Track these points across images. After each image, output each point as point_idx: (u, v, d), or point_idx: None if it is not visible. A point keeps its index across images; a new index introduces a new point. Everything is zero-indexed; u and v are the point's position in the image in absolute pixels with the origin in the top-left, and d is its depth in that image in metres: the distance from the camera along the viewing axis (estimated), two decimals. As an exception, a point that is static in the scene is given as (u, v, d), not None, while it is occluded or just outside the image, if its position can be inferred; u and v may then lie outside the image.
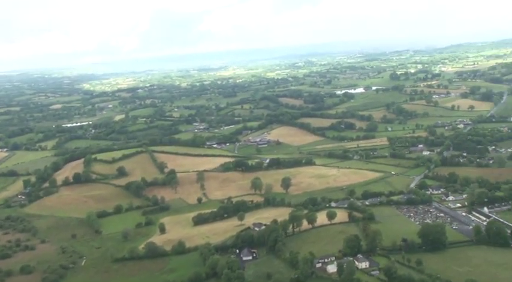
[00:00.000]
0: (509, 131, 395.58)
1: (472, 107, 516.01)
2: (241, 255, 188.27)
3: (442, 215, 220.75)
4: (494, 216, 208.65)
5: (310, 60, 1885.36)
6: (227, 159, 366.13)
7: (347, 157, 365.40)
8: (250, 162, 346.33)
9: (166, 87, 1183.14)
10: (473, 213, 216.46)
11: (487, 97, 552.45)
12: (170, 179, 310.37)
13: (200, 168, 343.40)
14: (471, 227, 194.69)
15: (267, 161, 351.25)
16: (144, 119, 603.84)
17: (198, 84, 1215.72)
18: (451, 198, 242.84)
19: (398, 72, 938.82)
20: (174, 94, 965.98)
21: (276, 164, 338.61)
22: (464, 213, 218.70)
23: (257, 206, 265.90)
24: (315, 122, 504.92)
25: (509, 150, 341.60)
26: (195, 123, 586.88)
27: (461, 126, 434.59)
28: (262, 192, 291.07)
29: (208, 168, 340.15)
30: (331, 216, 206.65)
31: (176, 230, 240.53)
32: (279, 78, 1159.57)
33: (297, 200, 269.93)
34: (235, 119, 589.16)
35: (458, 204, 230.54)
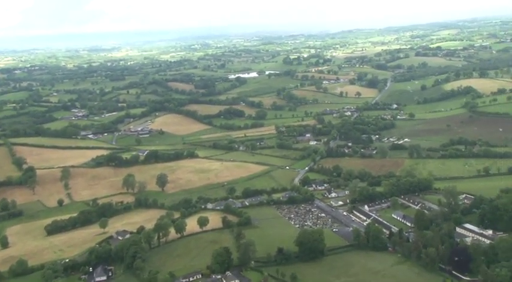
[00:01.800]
0: (392, 119, 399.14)
1: (359, 93, 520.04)
2: (94, 275, 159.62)
3: (323, 215, 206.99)
4: (374, 215, 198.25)
5: (207, 42, 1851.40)
6: (101, 152, 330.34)
7: (232, 148, 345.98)
8: (125, 155, 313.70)
9: (49, 68, 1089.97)
10: (354, 212, 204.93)
11: (372, 83, 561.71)
12: (27, 178, 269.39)
13: (68, 163, 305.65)
14: (351, 229, 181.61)
15: (145, 153, 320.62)
16: (14, 105, 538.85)
17: (86, 66, 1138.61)
18: (333, 195, 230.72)
19: (292, 57, 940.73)
20: (57, 76, 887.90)
21: (154, 157, 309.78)
22: (345, 213, 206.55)
23: (126, 209, 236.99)
24: (203, 109, 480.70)
25: (391, 139, 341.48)
26: (73, 110, 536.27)
27: (348, 113, 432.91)
28: (135, 191, 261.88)
29: (77, 164, 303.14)
30: (202, 222, 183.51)
31: (24, 242, 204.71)
32: (173, 61, 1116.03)
33: (172, 200, 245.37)
34: (119, 105, 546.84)
35: (340, 202, 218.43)
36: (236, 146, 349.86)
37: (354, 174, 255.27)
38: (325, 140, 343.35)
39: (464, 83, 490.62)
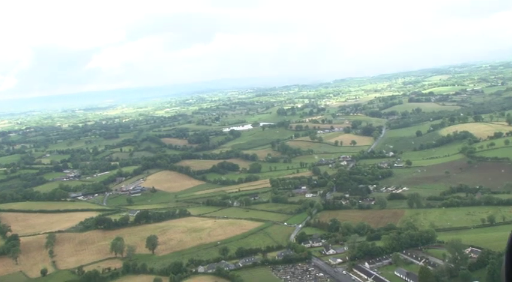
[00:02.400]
0: (389, 167, 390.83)
1: (354, 142, 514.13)
2: None
3: (321, 274, 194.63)
4: (375, 273, 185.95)
5: (202, 96, 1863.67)
6: (91, 215, 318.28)
7: (226, 204, 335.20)
8: (114, 217, 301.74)
9: (44, 129, 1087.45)
10: (354, 270, 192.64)
11: (367, 131, 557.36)
12: (10, 247, 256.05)
13: (55, 228, 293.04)
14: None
15: (135, 214, 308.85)
16: (5, 169, 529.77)
17: (81, 125, 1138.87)
18: (331, 251, 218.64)
19: (286, 107, 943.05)
20: (51, 137, 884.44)
21: (144, 217, 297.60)
22: (344, 272, 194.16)
23: (114, 276, 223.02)
24: (197, 165, 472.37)
25: (389, 188, 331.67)
26: (65, 171, 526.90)
27: (344, 163, 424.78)
28: (123, 256, 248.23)
29: (64, 228, 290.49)
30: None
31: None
32: (168, 116, 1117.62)
33: (163, 263, 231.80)
34: (112, 163, 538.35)
35: (339, 260, 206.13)
36: (230, 201, 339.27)
37: (352, 228, 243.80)
38: (322, 192, 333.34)
39: (459, 127, 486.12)
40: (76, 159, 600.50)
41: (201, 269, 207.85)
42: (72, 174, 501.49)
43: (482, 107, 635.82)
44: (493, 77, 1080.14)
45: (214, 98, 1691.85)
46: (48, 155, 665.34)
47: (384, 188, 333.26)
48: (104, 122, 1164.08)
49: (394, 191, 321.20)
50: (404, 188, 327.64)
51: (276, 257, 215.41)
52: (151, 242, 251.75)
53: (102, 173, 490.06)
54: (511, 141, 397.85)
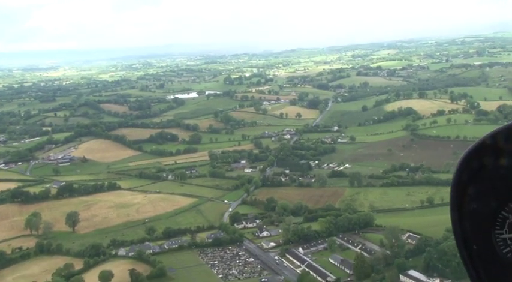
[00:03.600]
0: (332, 142, 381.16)
1: (299, 115, 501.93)
2: None
3: (252, 260, 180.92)
4: (309, 259, 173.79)
5: (149, 61, 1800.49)
6: (10, 186, 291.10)
7: (160, 178, 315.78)
8: (34, 190, 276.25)
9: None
10: (287, 256, 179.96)
11: (313, 104, 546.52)
12: None
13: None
14: (282, 280, 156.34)
15: (59, 186, 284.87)
16: None
17: (16, 86, 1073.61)
18: (265, 234, 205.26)
19: (233, 76, 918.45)
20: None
21: (68, 191, 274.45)
22: (277, 257, 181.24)
23: (24, 256, 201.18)
24: (134, 133, 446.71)
25: (331, 165, 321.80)
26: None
27: (287, 136, 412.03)
28: (39, 233, 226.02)
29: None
30: (105, 278, 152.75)
31: None
32: (111, 81, 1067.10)
33: (82, 243, 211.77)
34: (44, 129, 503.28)
35: (272, 244, 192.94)
36: (165, 175, 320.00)
37: (289, 208, 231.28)
38: (261, 167, 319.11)
39: (404, 103, 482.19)
40: (5, 122, 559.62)
41: (121, 251, 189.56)
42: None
43: (427, 83, 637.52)
44: (439, 53, 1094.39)
45: (162, 64, 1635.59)
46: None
47: (325, 165, 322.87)
48: (42, 84, 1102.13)
49: (335, 168, 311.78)
50: (347, 165, 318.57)
51: (206, 239, 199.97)
52: (72, 219, 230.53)
53: (32, 139, 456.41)
54: (453, 119, 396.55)
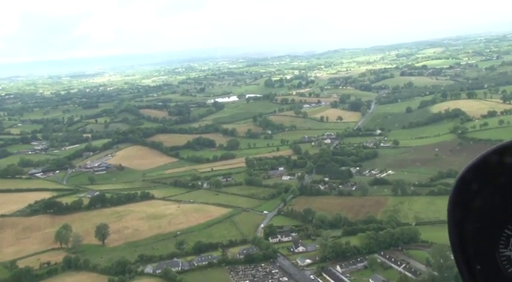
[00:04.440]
0: (375, 147, 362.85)
1: (340, 118, 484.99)
2: None
3: (285, 279, 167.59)
4: (348, 280, 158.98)
5: (192, 65, 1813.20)
6: (44, 195, 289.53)
7: (195, 186, 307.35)
8: (66, 200, 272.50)
9: (24, 96, 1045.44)
10: (324, 275, 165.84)
11: (355, 106, 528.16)
12: None
13: (1, 210, 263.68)
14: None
15: (91, 197, 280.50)
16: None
17: (63, 93, 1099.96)
18: (301, 249, 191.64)
19: (274, 79, 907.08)
20: (30, 105, 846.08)
21: (100, 201, 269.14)
22: (312, 276, 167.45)
23: (51, 273, 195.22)
24: (172, 140, 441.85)
25: (373, 171, 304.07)
26: (33, 143, 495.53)
27: (327, 141, 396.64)
28: (69, 246, 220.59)
29: (9, 212, 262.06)
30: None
31: None
32: (153, 85, 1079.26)
33: (112, 257, 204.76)
34: (84, 136, 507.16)
35: (308, 260, 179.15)
36: (200, 183, 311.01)
37: (327, 220, 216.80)
38: (300, 174, 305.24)
39: (451, 104, 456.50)
40: (48, 129, 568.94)
41: (148, 268, 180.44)
42: (40, 147, 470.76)
43: (476, 82, 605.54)
44: (488, 50, 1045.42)
45: (204, 68, 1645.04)
46: (20, 124, 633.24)
47: (367, 171, 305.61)
48: (87, 90, 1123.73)
49: (378, 175, 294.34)
50: (390, 172, 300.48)
51: (238, 255, 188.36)
52: (101, 231, 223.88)
53: (72, 146, 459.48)
54: (506, 121, 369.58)
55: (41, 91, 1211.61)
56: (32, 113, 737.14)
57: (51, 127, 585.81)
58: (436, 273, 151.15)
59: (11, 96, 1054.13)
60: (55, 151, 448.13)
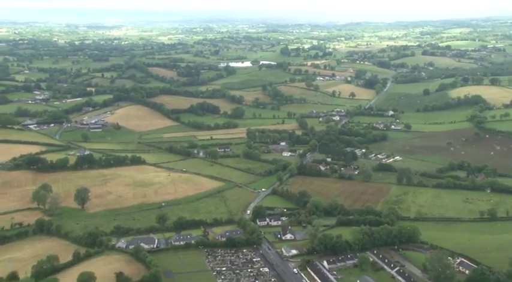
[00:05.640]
0: (385, 129, 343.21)
1: (353, 94, 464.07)
2: None
3: (266, 270, 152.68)
4: (333, 278, 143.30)
5: (210, 26, 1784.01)
6: (33, 149, 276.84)
7: (190, 154, 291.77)
8: (57, 157, 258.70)
9: (37, 43, 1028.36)
10: (309, 270, 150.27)
11: (370, 83, 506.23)
12: None
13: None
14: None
15: (77, 156, 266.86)
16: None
17: (77, 43, 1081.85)
18: (288, 236, 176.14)
19: (291, 47, 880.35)
20: (41, 52, 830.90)
21: (87, 162, 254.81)
22: (296, 270, 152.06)
23: (21, 235, 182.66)
24: (175, 102, 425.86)
25: (379, 156, 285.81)
26: (36, 92, 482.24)
27: (336, 118, 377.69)
28: (46, 207, 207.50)
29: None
30: (85, 281, 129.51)
31: None
32: (168, 43, 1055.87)
33: (88, 224, 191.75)
34: (88, 89, 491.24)
35: (294, 251, 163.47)
36: (196, 151, 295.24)
37: (322, 206, 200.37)
38: (301, 151, 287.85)
39: (472, 90, 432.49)
40: (54, 80, 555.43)
41: (121, 243, 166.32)
42: (41, 97, 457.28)
43: (501, 68, 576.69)
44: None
45: (223, 29, 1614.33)
46: (27, 71, 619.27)
47: (373, 155, 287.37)
48: (102, 42, 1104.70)
49: (384, 160, 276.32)
50: (397, 158, 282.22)
51: (219, 237, 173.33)
52: (81, 196, 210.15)
53: (74, 100, 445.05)
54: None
55: (56, 39, 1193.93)
56: (42, 61, 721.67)
57: (57, 77, 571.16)
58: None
59: (25, 41, 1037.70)
60: (56, 103, 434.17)
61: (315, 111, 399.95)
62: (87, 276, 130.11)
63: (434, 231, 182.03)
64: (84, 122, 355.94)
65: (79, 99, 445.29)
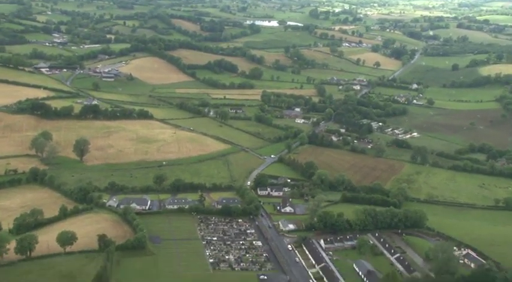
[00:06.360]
0: (406, 103, 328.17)
1: (378, 63, 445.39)
2: None
3: (259, 243, 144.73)
4: (328, 259, 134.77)
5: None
6: (40, 94, 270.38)
7: (201, 112, 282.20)
8: (63, 104, 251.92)
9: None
10: (304, 248, 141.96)
11: (398, 53, 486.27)
12: None
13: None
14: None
15: (91, 103, 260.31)
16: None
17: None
18: (288, 209, 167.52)
19: (320, 10, 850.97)
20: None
21: (92, 112, 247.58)
22: (290, 246, 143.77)
23: (13, 182, 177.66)
24: (193, 57, 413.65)
25: (396, 131, 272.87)
26: (54, 34, 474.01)
27: (357, 87, 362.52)
28: (43, 156, 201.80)
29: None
30: (65, 241, 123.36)
31: None
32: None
33: (83, 178, 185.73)
34: (108, 37, 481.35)
35: (292, 226, 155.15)
36: (206, 110, 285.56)
37: (328, 180, 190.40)
38: (315, 119, 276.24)
39: (505, 69, 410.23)
40: (75, 23, 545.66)
41: (113, 201, 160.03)
42: (59, 40, 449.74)
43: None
44: None
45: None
46: (49, 12, 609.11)
47: (390, 129, 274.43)
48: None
49: (400, 136, 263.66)
50: (414, 134, 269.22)
51: (215, 204, 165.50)
52: (80, 147, 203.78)
53: (91, 46, 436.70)
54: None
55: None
56: (66, 3, 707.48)
57: (79, 21, 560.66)
58: (432, 274, 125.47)
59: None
60: (73, 47, 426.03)
61: (336, 78, 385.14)
62: (67, 235, 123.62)
63: (443, 217, 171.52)
64: (98, 70, 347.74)
65: (97, 45, 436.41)
